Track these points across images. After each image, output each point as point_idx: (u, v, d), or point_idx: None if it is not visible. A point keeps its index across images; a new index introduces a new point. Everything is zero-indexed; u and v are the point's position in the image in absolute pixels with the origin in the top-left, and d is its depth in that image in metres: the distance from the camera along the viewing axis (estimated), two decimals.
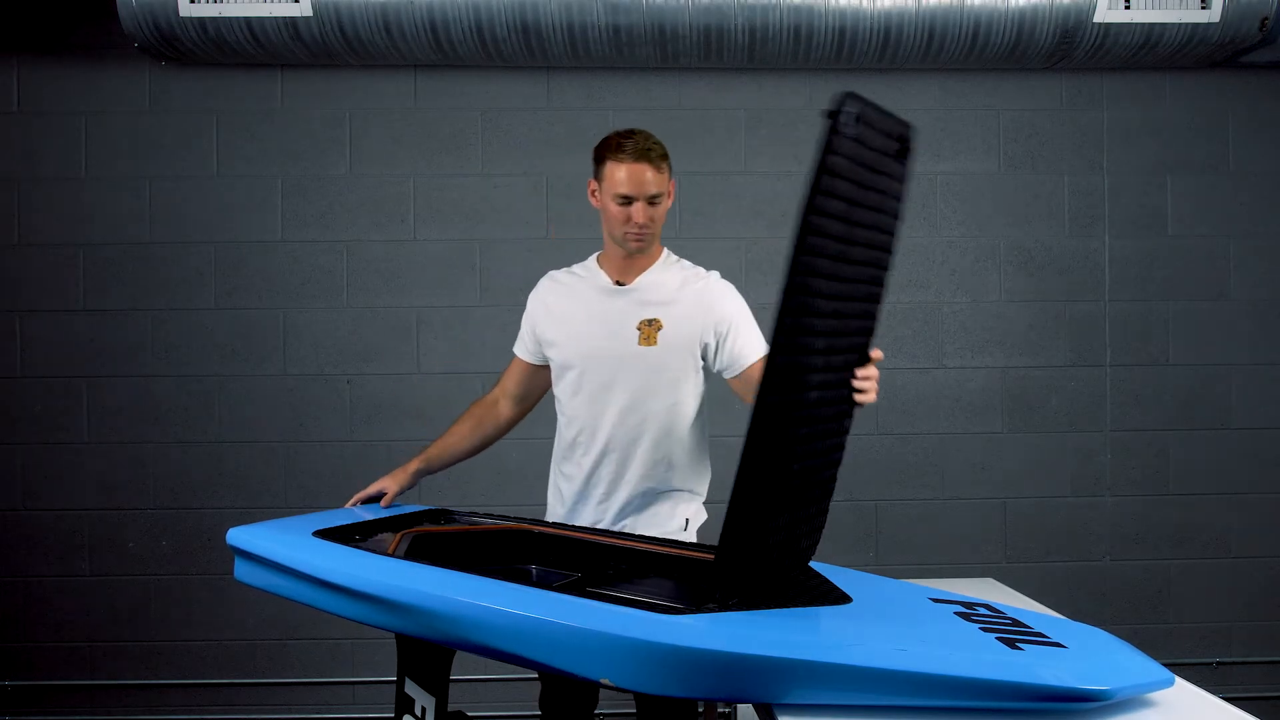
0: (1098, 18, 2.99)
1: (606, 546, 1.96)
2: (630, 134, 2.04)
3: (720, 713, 2.79)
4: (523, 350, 2.27)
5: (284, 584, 1.73)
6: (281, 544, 1.75)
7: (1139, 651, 1.41)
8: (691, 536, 2.17)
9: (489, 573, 1.59)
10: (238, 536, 1.80)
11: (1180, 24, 3.01)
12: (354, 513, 2.04)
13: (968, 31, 3.02)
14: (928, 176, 3.39)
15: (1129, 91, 3.40)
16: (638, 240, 2.06)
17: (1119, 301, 3.41)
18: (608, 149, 2.04)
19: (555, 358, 2.17)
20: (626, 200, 2.02)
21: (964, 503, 3.40)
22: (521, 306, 3.27)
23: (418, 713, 1.74)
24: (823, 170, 1.29)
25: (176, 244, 3.31)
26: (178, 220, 3.31)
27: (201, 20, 2.94)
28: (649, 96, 3.35)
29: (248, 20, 2.95)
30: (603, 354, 2.09)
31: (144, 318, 3.30)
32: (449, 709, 1.77)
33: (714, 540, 2.22)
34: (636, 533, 2.09)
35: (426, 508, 2.15)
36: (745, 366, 2.09)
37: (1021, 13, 2.98)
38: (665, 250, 2.20)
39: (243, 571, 1.81)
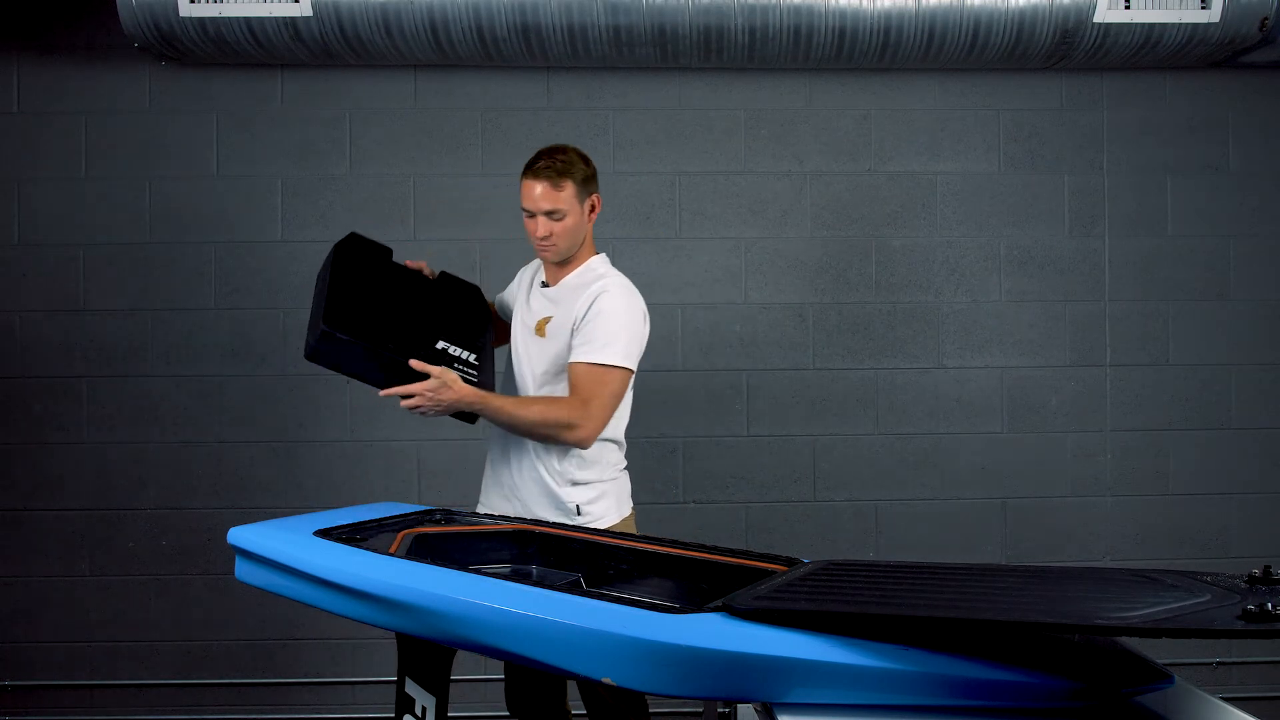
0: (1098, 18, 2.99)
1: (607, 546, 1.97)
2: (545, 153, 2.23)
3: (720, 712, 2.78)
4: (499, 303, 2.57)
5: (285, 583, 1.73)
6: (282, 543, 1.75)
7: (1139, 651, 1.41)
8: (586, 522, 2.23)
9: (490, 573, 1.59)
10: (239, 536, 1.80)
11: (1180, 24, 3.01)
12: (355, 512, 2.05)
13: (968, 31, 3.02)
14: (928, 176, 3.39)
15: (1129, 91, 3.40)
16: (542, 250, 2.27)
17: (1119, 301, 3.41)
18: (525, 166, 2.25)
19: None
20: (530, 214, 2.23)
21: (964, 503, 3.40)
22: None
23: (418, 713, 1.74)
24: None
25: (176, 244, 3.31)
26: (178, 220, 3.31)
27: (201, 20, 2.94)
28: (649, 96, 3.35)
29: (248, 20, 2.94)
30: (516, 341, 2.36)
31: (144, 318, 3.30)
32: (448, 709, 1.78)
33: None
34: (537, 518, 2.19)
35: (427, 508, 2.15)
36: (569, 359, 2.21)
37: (1021, 13, 2.99)
38: (599, 258, 2.35)
39: (244, 571, 1.81)
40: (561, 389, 2.24)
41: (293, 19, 2.95)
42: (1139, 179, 3.41)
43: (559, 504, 2.23)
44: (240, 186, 3.32)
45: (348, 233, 2.28)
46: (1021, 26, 3.01)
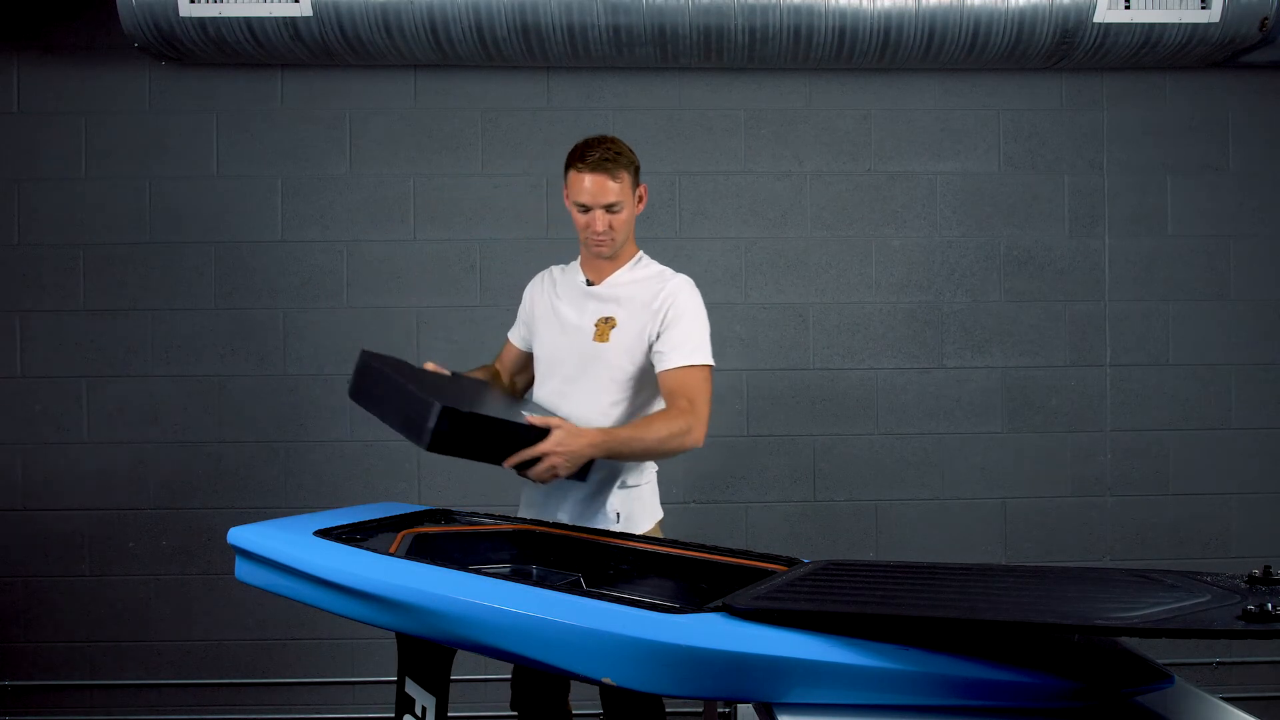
0: (1098, 18, 2.99)
1: (607, 546, 1.97)
2: (595, 143, 2.13)
3: (720, 712, 2.78)
4: (515, 336, 2.44)
5: (285, 583, 1.73)
6: (282, 543, 1.75)
7: (1139, 651, 1.41)
8: (624, 528, 2.19)
9: (490, 573, 1.59)
10: (239, 536, 1.80)
11: (1180, 24, 3.01)
12: (355, 512, 2.05)
13: (968, 31, 3.02)
14: (928, 176, 3.39)
15: (1129, 91, 3.40)
16: (598, 245, 2.16)
17: (1119, 301, 3.41)
18: (572, 157, 2.14)
19: (534, 349, 2.33)
20: (585, 208, 2.13)
21: (964, 503, 3.40)
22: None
23: (418, 713, 1.74)
24: None
25: (176, 244, 3.31)
26: (178, 220, 3.31)
27: (201, 20, 2.94)
28: (649, 96, 3.35)
29: (248, 20, 2.95)
30: (563, 350, 2.22)
31: (144, 318, 3.31)
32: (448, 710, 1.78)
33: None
34: (572, 524, 2.14)
35: (427, 508, 2.15)
36: (662, 367, 2.12)
37: (1021, 13, 2.99)
38: (641, 254, 2.28)
39: (244, 571, 1.81)
40: (643, 393, 2.18)
41: (293, 19, 2.95)
42: (1139, 179, 3.41)
43: (602, 513, 2.19)
44: (240, 186, 3.32)
45: (360, 351, 2.15)
46: (1021, 26, 3.01)
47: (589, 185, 2.10)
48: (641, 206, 2.23)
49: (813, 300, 3.38)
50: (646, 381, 2.19)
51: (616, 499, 2.20)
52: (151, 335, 3.31)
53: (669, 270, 2.24)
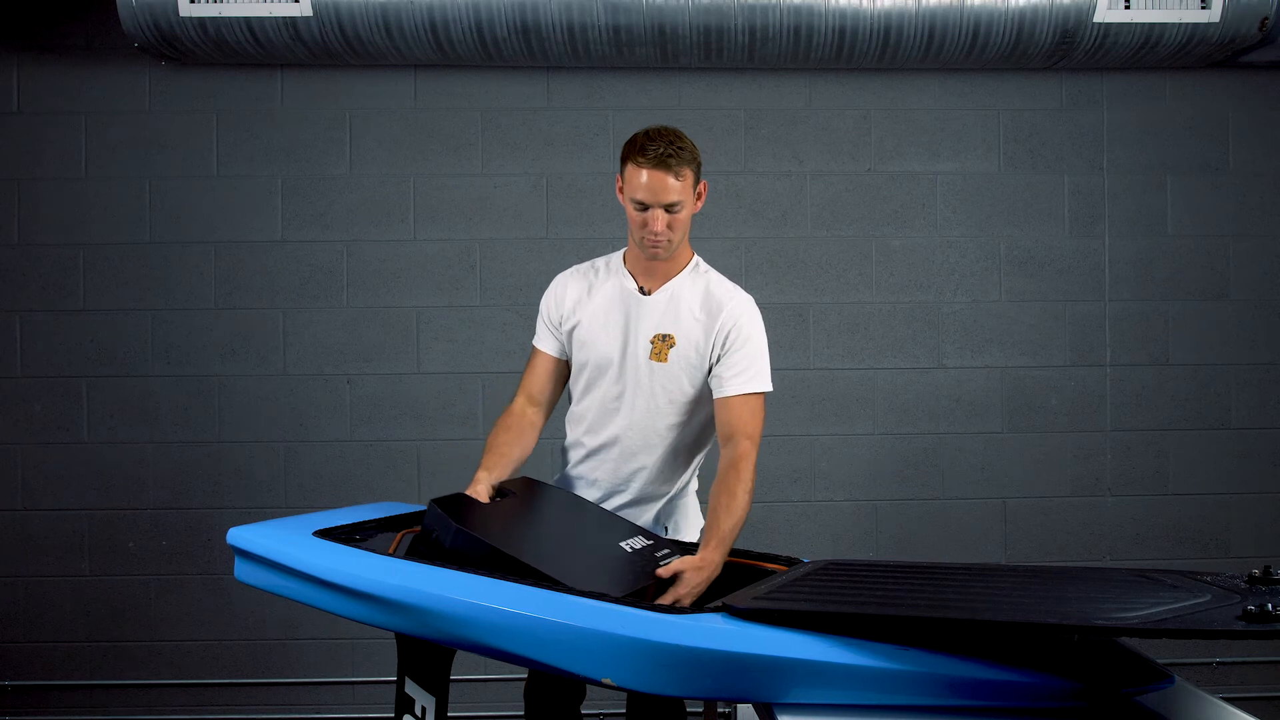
0: (1098, 18, 2.99)
1: None
2: (656, 136, 1.95)
3: (720, 713, 2.79)
4: (547, 346, 2.18)
5: (285, 583, 1.73)
6: (282, 543, 1.75)
7: (1139, 651, 1.42)
8: (671, 537, 2.14)
9: (489, 572, 1.59)
10: (238, 536, 1.80)
11: (1180, 24, 3.01)
12: (354, 512, 2.05)
13: (968, 31, 3.02)
14: (928, 176, 3.39)
15: (1129, 91, 3.40)
16: (653, 247, 1.99)
17: (1119, 301, 3.41)
18: (631, 149, 1.97)
19: (574, 354, 2.15)
20: (643, 206, 1.95)
21: (964, 503, 3.40)
22: (521, 306, 3.31)
23: (418, 713, 1.74)
24: None
25: (176, 244, 3.31)
26: (178, 220, 3.31)
27: (201, 20, 2.94)
28: (649, 96, 3.35)
29: (248, 20, 2.95)
30: (615, 363, 2.07)
31: (144, 318, 3.30)
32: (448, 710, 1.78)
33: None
34: None
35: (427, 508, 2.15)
36: (721, 394, 2.02)
37: (1021, 13, 2.99)
38: (696, 258, 2.13)
39: (243, 571, 1.81)
40: (702, 411, 2.09)
41: (293, 19, 2.95)
42: (1139, 179, 3.41)
43: (651, 529, 2.12)
44: (240, 186, 3.32)
45: (427, 508, 1.86)
46: (1021, 26, 3.01)
47: (647, 181, 1.92)
48: (700, 204, 2.04)
49: (813, 300, 3.38)
50: (705, 400, 2.08)
51: (663, 512, 2.14)
52: (151, 335, 3.31)
53: (729, 285, 2.10)
